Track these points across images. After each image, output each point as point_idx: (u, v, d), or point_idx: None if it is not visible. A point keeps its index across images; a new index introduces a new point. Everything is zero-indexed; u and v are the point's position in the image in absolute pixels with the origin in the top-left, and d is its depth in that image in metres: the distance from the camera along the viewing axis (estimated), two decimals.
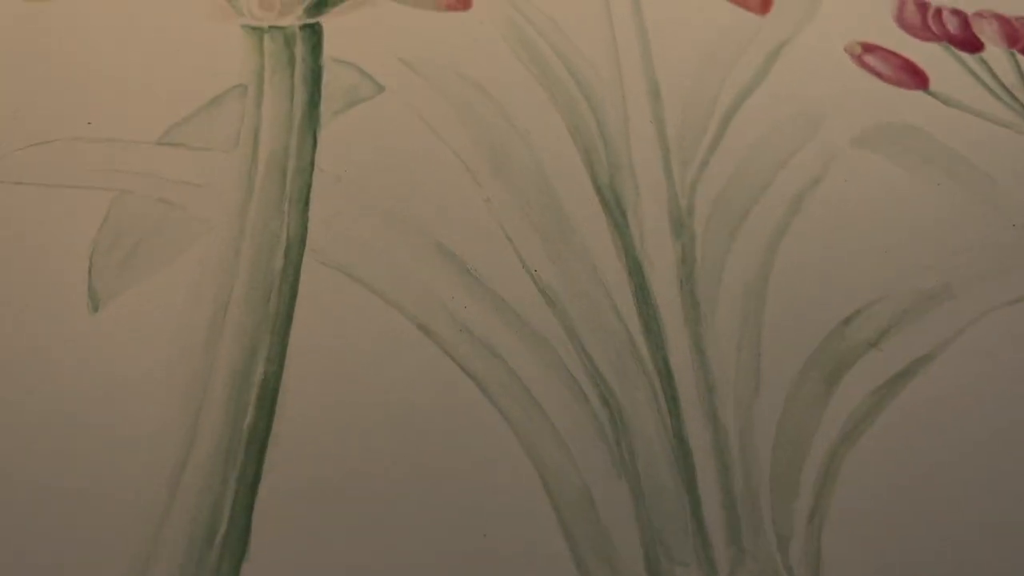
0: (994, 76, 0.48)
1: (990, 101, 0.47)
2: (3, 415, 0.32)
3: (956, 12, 0.51)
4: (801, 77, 0.47)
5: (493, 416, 0.34)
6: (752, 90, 0.46)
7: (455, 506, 0.32)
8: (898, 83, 0.47)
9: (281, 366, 0.34)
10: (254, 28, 0.45)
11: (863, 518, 0.33)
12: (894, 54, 0.49)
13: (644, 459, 0.34)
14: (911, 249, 0.41)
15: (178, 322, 0.35)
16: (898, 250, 0.40)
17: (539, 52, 0.46)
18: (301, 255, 0.37)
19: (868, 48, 0.49)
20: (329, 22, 0.45)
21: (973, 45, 0.50)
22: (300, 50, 0.44)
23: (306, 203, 0.39)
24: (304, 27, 0.45)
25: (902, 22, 0.50)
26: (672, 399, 0.35)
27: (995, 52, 0.49)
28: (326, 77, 0.43)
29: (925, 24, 0.50)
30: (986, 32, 0.50)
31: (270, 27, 0.45)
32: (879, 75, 0.48)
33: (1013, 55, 0.49)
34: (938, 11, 0.51)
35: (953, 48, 0.49)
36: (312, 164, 0.40)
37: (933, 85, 0.47)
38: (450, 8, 0.47)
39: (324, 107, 0.42)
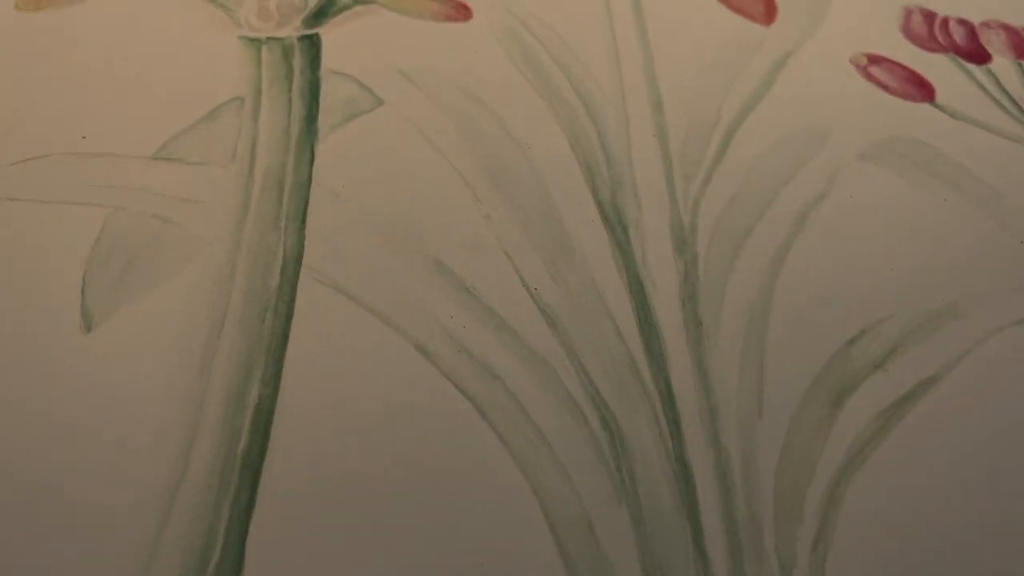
0: (1001, 88, 0.47)
1: (997, 113, 0.46)
2: None
3: (963, 22, 0.50)
4: (806, 89, 0.46)
5: (491, 439, 0.33)
6: (756, 102, 0.45)
7: (452, 531, 0.32)
8: (904, 95, 0.47)
9: (276, 388, 0.34)
10: (252, 39, 0.44)
11: (868, 545, 0.33)
12: (900, 65, 0.48)
13: (645, 483, 0.33)
14: (917, 267, 0.40)
15: (172, 343, 0.34)
16: (904, 268, 0.40)
17: (540, 64, 0.45)
18: (297, 273, 0.37)
19: (874, 59, 0.48)
20: (327, 33, 0.45)
21: (980, 56, 0.49)
22: (298, 62, 0.44)
23: (303, 219, 0.38)
24: (302, 38, 0.44)
25: (908, 32, 0.50)
26: (674, 421, 0.35)
27: (1002, 63, 0.48)
28: (324, 89, 0.43)
29: (932, 35, 0.50)
30: (993, 43, 0.49)
31: (268, 38, 0.44)
32: (885, 87, 0.47)
33: (1020, 66, 0.49)
34: (944, 21, 0.50)
35: (960, 59, 0.49)
36: (310, 179, 0.40)
37: (939, 97, 0.47)
38: (450, 19, 0.47)
39: (322, 120, 0.42)
